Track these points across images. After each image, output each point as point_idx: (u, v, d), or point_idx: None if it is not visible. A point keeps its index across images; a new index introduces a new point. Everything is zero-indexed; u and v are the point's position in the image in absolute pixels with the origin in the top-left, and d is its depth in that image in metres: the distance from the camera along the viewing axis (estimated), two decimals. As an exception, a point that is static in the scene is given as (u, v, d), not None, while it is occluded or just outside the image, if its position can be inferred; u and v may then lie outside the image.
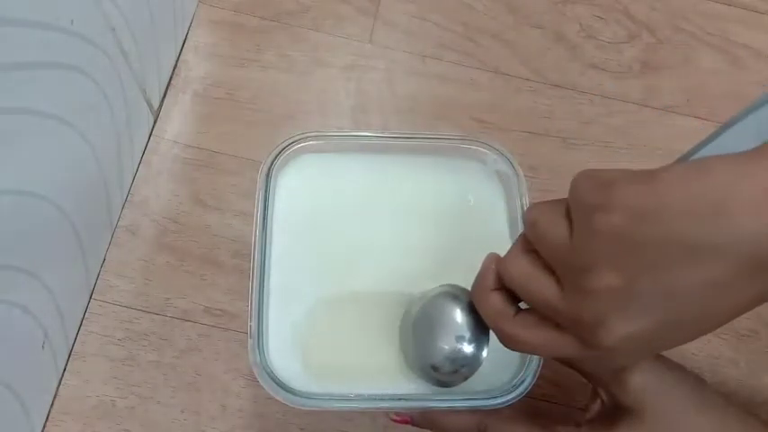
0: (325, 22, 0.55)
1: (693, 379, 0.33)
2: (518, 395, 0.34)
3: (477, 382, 0.33)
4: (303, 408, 0.33)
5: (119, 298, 0.45)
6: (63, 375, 0.43)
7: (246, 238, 0.47)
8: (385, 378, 0.35)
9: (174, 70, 0.53)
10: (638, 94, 0.56)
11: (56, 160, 0.36)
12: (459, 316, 0.32)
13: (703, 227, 0.21)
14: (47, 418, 0.42)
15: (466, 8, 0.58)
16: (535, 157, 0.52)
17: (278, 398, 0.33)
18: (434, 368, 0.33)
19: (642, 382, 0.32)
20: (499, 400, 0.33)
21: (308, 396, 0.33)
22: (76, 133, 0.37)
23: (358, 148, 0.40)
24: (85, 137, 0.38)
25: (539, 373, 0.34)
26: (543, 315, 0.27)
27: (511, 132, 0.53)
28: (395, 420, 0.35)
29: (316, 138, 0.39)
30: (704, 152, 0.24)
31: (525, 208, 0.38)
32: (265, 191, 0.37)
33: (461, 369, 0.32)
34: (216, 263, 0.46)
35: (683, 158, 0.25)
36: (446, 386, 0.34)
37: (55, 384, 0.42)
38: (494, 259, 0.29)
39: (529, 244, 0.27)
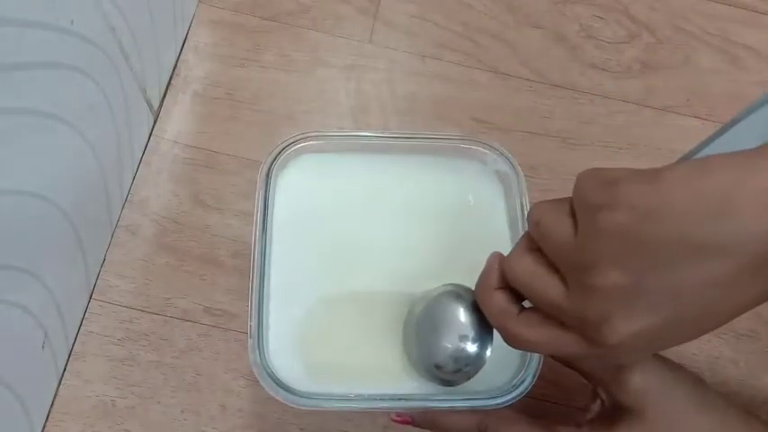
0: (325, 22, 0.56)
1: (693, 379, 0.33)
2: (518, 395, 0.34)
3: (477, 382, 0.33)
4: (303, 408, 0.33)
5: (119, 298, 0.45)
6: (63, 375, 0.43)
7: (246, 238, 0.47)
8: (385, 378, 0.35)
9: (174, 70, 0.53)
10: (638, 94, 0.56)
11: (56, 160, 0.36)
12: (462, 315, 0.32)
13: (707, 226, 0.21)
14: (47, 418, 0.42)
15: (466, 8, 0.58)
16: (535, 157, 0.52)
17: (278, 398, 0.33)
18: (438, 367, 0.33)
19: (642, 383, 0.32)
20: (499, 400, 0.33)
21: (308, 396, 0.33)
22: (76, 133, 0.37)
23: (358, 147, 0.40)
24: (85, 137, 0.38)
25: (539, 373, 0.34)
26: (547, 313, 0.27)
27: (511, 132, 0.53)
28: (395, 421, 0.35)
29: (315, 138, 0.39)
30: (706, 151, 0.24)
31: (525, 208, 0.38)
32: (265, 191, 0.37)
33: (465, 368, 0.32)
34: (216, 263, 0.46)
35: (686, 158, 0.25)
36: (450, 385, 0.34)
37: (55, 384, 0.42)
38: (497, 258, 0.29)
39: (533, 242, 0.27)
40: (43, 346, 0.39)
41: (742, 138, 0.23)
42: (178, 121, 0.51)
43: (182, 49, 0.53)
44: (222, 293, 0.45)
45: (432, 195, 0.40)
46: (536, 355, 0.34)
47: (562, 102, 0.55)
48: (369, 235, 0.38)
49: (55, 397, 0.42)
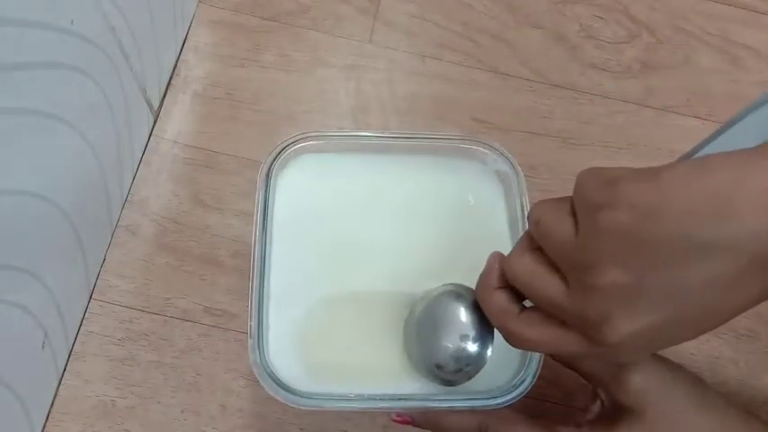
0: (325, 22, 0.56)
1: (693, 379, 0.33)
2: (518, 395, 0.34)
3: (477, 382, 0.33)
4: (303, 408, 0.33)
5: (119, 298, 0.45)
6: (63, 375, 0.43)
7: (246, 238, 0.47)
8: (385, 378, 0.35)
9: (174, 70, 0.53)
10: (638, 94, 0.56)
11: (56, 160, 0.36)
12: (463, 315, 0.32)
13: (707, 225, 0.21)
14: (47, 418, 0.42)
15: (466, 8, 0.58)
16: (535, 157, 0.52)
17: (278, 398, 0.33)
18: (439, 367, 0.33)
19: (642, 383, 0.32)
20: (499, 400, 0.33)
21: (309, 396, 0.33)
22: (76, 133, 0.37)
23: (358, 147, 0.40)
24: (85, 137, 0.38)
25: (539, 373, 0.34)
26: (548, 313, 0.27)
27: (511, 132, 0.53)
28: (395, 421, 0.35)
29: (316, 138, 0.39)
30: (706, 151, 0.24)
31: (525, 208, 0.38)
32: (265, 191, 0.37)
33: (466, 368, 0.32)
34: (216, 263, 0.46)
35: (686, 157, 0.25)
36: (451, 385, 0.34)
37: (55, 384, 0.42)
38: (498, 258, 0.29)
39: (533, 242, 0.27)
40: (43, 346, 0.39)
41: (742, 137, 0.23)
42: (178, 121, 0.51)
43: (182, 49, 0.53)
44: (222, 293, 0.45)
45: (432, 195, 0.40)
46: (536, 355, 0.34)
47: (562, 102, 0.55)
48: (369, 235, 0.38)
49: (55, 397, 0.42)
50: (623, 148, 0.53)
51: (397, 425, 0.35)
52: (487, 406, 0.33)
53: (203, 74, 0.53)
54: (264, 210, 0.36)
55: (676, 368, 0.33)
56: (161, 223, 0.47)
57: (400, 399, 0.34)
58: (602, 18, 0.58)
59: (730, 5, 0.60)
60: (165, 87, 0.52)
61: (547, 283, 0.26)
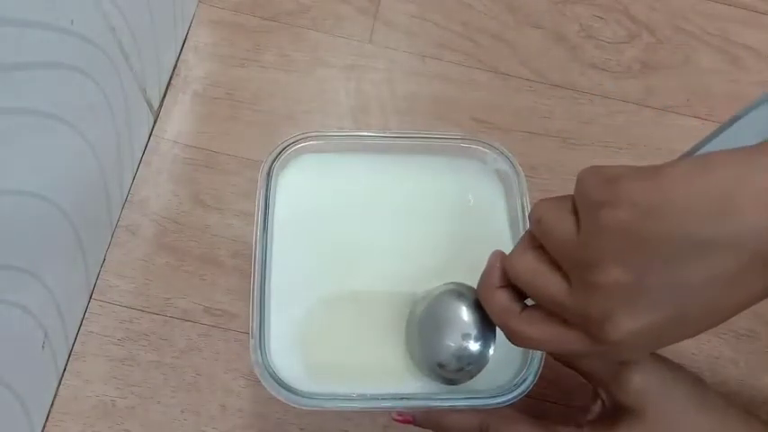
0: (325, 22, 0.55)
1: (693, 379, 0.33)
2: (520, 394, 0.34)
3: (478, 381, 0.33)
4: (305, 407, 0.33)
5: (119, 298, 0.45)
6: (63, 375, 0.43)
7: (246, 238, 0.47)
8: (386, 377, 0.35)
9: (174, 70, 0.53)
10: (638, 94, 0.56)
11: (56, 160, 0.36)
12: (465, 314, 0.32)
13: (708, 223, 0.21)
14: (47, 418, 0.42)
15: (466, 8, 0.58)
16: (535, 156, 0.52)
17: (280, 397, 0.33)
18: (441, 366, 0.33)
19: (642, 383, 0.32)
20: (501, 399, 0.33)
21: (310, 396, 0.33)
22: (76, 133, 0.37)
23: (358, 147, 0.40)
24: (85, 137, 0.38)
25: (540, 372, 0.34)
26: (550, 311, 0.27)
27: (511, 132, 0.53)
28: (397, 420, 0.35)
29: (316, 137, 0.39)
30: (707, 149, 0.24)
31: (526, 207, 0.38)
32: (266, 190, 0.37)
33: (468, 367, 0.32)
34: (216, 263, 0.46)
35: (687, 155, 0.25)
36: (453, 384, 0.34)
37: (55, 384, 0.42)
38: (499, 256, 0.30)
39: (535, 240, 0.27)
40: (43, 346, 0.39)
41: (742, 135, 0.23)
42: (178, 121, 0.51)
43: (182, 49, 0.53)
44: (222, 293, 0.45)
45: (432, 195, 0.40)
46: (537, 355, 0.34)
47: (562, 102, 0.55)
48: (369, 234, 0.38)
49: (55, 397, 0.42)
50: (623, 148, 0.53)
51: (398, 424, 0.35)
52: (489, 405, 0.33)
53: (203, 74, 0.53)
54: (265, 209, 0.36)
55: (676, 368, 0.33)
56: (161, 223, 0.47)
57: (401, 398, 0.34)
58: (602, 18, 0.58)
59: (730, 5, 0.60)
60: (165, 87, 0.52)
61: (548, 282, 0.26)
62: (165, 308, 0.45)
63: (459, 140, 0.40)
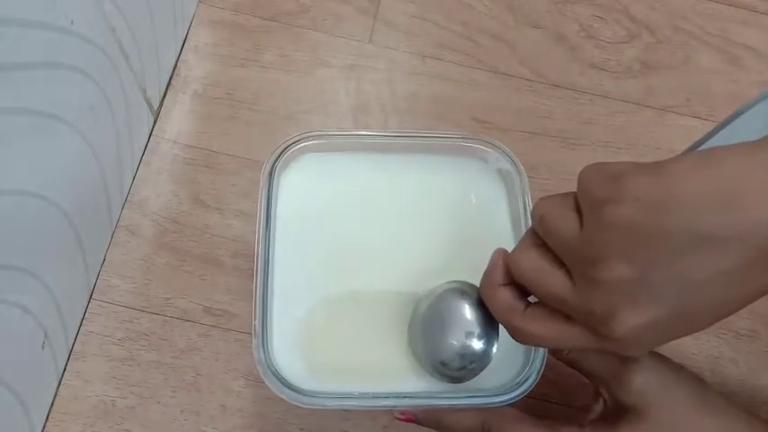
0: (325, 22, 0.55)
1: (695, 379, 0.33)
2: (522, 393, 0.34)
3: (480, 380, 0.33)
4: (307, 406, 0.33)
5: (119, 298, 0.45)
6: (63, 375, 0.43)
7: (246, 238, 0.47)
8: (388, 376, 0.35)
9: (174, 70, 0.53)
10: (638, 94, 0.56)
11: (56, 160, 0.36)
12: (468, 312, 0.32)
13: (714, 217, 0.21)
14: (47, 418, 0.42)
15: (466, 8, 0.58)
16: (535, 156, 0.52)
17: (282, 396, 0.33)
18: (444, 364, 0.33)
19: (644, 383, 0.32)
20: (503, 398, 0.33)
21: (312, 394, 0.33)
22: (76, 133, 0.37)
23: (360, 147, 0.40)
24: (85, 137, 0.38)
25: (542, 371, 0.34)
26: (553, 308, 0.27)
27: (511, 132, 0.53)
28: (398, 419, 0.35)
29: (318, 137, 0.39)
30: (708, 145, 0.25)
31: (528, 206, 0.38)
32: (268, 190, 0.37)
33: (471, 365, 0.32)
34: (216, 263, 0.46)
35: (689, 151, 0.25)
36: (456, 382, 0.34)
37: (55, 384, 0.42)
38: (502, 254, 0.30)
39: (537, 238, 0.27)
40: (43, 346, 0.39)
41: (743, 131, 0.24)
42: (178, 121, 0.51)
43: (182, 49, 0.53)
44: (222, 293, 0.45)
45: (434, 194, 0.40)
46: (540, 353, 0.34)
47: (562, 102, 0.55)
48: (371, 234, 0.38)
49: (55, 397, 0.42)
50: (623, 148, 0.53)
51: (398, 424, 0.35)
52: (490, 404, 0.33)
53: (203, 74, 0.53)
54: (268, 209, 0.36)
55: (678, 368, 0.33)
56: (161, 223, 0.47)
57: (403, 397, 0.34)
58: (602, 18, 0.58)
59: (730, 5, 0.60)
60: (165, 87, 0.52)
61: (552, 279, 0.26)
62: (165, 308, 0.45)
63: (462, 139, 0.40)
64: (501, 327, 0.31)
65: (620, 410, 0.33)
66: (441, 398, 0.34)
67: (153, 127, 0.50)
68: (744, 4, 0.60)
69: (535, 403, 0.44)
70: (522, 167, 0.38)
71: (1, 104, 0.29)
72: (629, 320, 0.23)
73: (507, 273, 0.29)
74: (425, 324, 0.34)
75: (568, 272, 0.25)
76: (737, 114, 0.24)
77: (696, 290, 0.22)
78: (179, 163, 0.49)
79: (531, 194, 0.38)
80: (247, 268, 0.45)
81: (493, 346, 0.32)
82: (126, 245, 0.46)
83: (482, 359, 0.32)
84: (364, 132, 0.43)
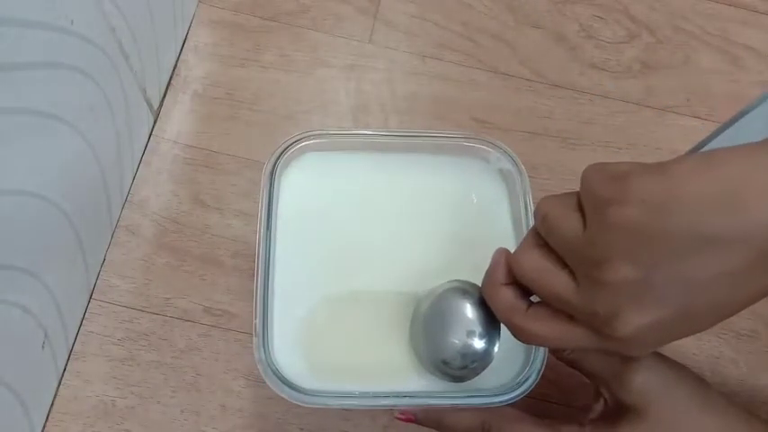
0: (325, 22, 0.55)
1: (695, 379, 0.33)
2: (522, 393, 0.34)
3: (481, 379, 0.33)
4: (308, 405, 0.33)
5: (119, 298, 0.45)
6: (63, 375, 0.43)
7: (246, 237, 0.47)
8: (388, 376, 0.35)
9: (174, 70, 0.53)
10: (638, 94, 0.56)
11: (56, 160, 0.36)
12: (469, 311, 0.32)
13: (717, 218, 0.21)
14: (47, 418, 0.42)
15: (466, 8, 0.58)
16: (535, 156, 0.52)
17: (283, 395, 0.33)
18: (446, 363, 0.33)
19: (644, 382, 0.32)
20: (503, 398, 0.33)
21: (313, 393, 0.33)
22: (76, 133, 0.37)
23: (361, 146, 0.40)
24: (85, 137, 0.38)
25: (542, 371, 0.34)
26: (556, 308, 0.27)
27: (511, 132, 0.53)
28: (399, 418, 0.35)
29: (319, 136, 0.39)
30: (712, 145, 0.25)
31: (529, 206, 0.38)
32: (269, 189, 0.37)
33: (472, 364, 0.32)
34: (216, 263, 0.46)
35: (692, 152, 0.25)
36: (457, 381, 0.34)
37: (55, 384, 0.42)
38: (504, 254, 0.29)
39: (540, 238, 0.27)
40: (43, 346, 0.39)
41: (745, 132, 0.24)
42: (178, 121, 0.51)
43: (182, 49, 0.53)
44: (222, 293, 0.45)
45: (435, 194, 0.40)
46: (540, 353, 0.34)
47: (562, 102, 0.55)
48: (372, 233, 0.38)
49: (55, 397, 0.42)
50: (623, 148, 0.53)
51: (398, 424, 0.35)
52: (491, 403, 0.33)
53: (203, 74, 0.53)
54: (269, 208, 0.36)
55: (679, 368, 0.33)
56: (161, 223, 0.47)
57: (404, 396, 0.34)
58: (602, 18, 0.58)
59: (730, 5, 0.60)
60: (165, 87, 0.52)
61: (554, 279, 0.26)
62: (165, 308, 0.45)
63: (463, 139, 0.40)
64: (502, 326, 0.31)
65: (620, 410, 0.33)
66: (441, 397, 0.34)
67: (153, 127, 0.50)
68: (744, 4, 0.60)
69: (535, 403, 0.44)
70: (523, 167, 0.39)
71: (1, 104, 0.29)
72: (633, 321, 0.23)
73: (509, 272, 0.29)
74: (427, 323, 0.34)
75: (571, 272, 0.25)
76: (741, 115, 0.24)
77: (700, 291, 0.23)
78: (179, 163, 0.49)
79: (531, 194, 0.38)
80: (247, 268, 0.45)
81: (494, 345, 0.32)
82: (126, 245, 0.46)
83: (484, 358, 0.32)
84: (366, 132, 0.43)
